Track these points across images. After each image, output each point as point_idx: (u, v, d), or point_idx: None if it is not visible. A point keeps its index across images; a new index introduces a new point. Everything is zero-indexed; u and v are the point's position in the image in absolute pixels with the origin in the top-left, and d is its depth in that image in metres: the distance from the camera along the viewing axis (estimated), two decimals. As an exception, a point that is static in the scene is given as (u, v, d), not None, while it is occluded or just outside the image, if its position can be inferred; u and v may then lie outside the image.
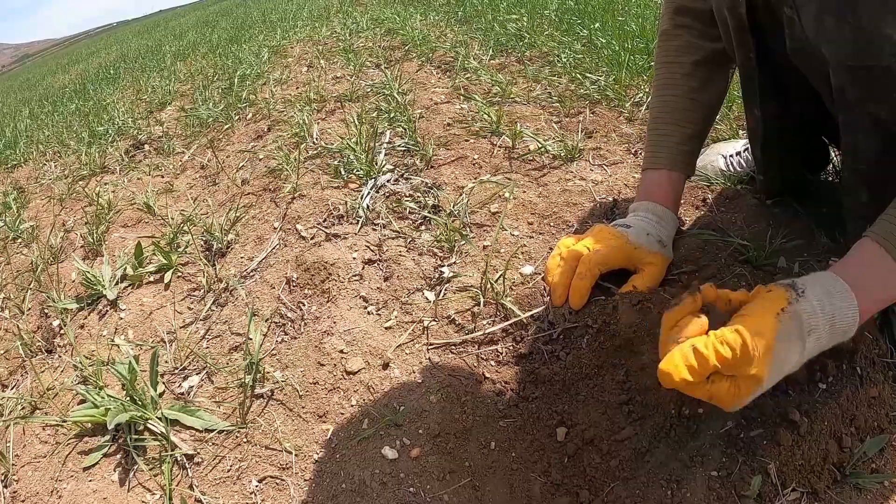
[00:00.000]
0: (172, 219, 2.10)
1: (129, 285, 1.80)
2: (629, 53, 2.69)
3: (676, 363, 0.90)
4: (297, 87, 3.38)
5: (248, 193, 2.07)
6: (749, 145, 1.53)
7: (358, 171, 1.92)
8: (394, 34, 4.45)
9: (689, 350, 0.89)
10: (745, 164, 1.69)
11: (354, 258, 1.54)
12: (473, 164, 1.93)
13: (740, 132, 1.90)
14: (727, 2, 1.15)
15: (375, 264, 1.53)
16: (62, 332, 1.73)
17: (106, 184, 2.71)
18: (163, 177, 2.66)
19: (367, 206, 1.73)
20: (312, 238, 1.67)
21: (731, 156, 1.74)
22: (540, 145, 1.94)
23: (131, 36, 17.77)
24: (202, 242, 1.88)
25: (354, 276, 1.48)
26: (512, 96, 2.50)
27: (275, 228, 1.78)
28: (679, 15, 1.39)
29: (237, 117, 3.03)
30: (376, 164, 1.94)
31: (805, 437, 1.00)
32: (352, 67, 3.50)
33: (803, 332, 0.89)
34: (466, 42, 3.73)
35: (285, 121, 2.68)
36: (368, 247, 1.57)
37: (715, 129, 1.93)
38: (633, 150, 1.95)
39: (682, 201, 1.53)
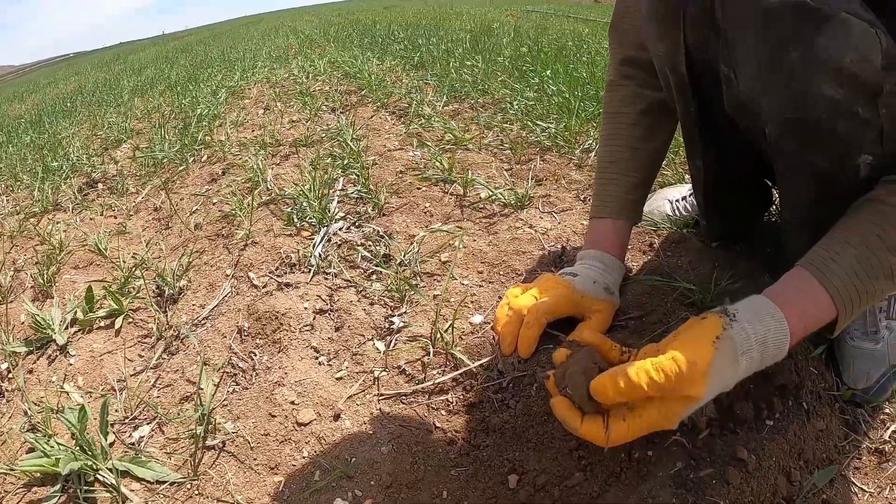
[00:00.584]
0: (124, 262, 2.06)
1: (80, 330, 1.76)
2: (579, 101, 2.74)
3: (605, 384, 0.92)
4: (253, 130, 3.37)
5: (202, 238, 2.05)
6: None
7: (311, 219, 1.91)
8: (351, 78, 4.48)
9: (621, 375, 0.91)
10: (690, 209, 1.73)
11: (306, 308, 1.53)
12: (425, 213, 1.94)
13: (686, 177, 1.94)
14: (668, 60, 1.19)
15: (327, 314, 1.52)
16: (10, 376, 1.68)
17: (58, 222, 2.66)
18: (115, 217, 2.62)
19: (320, 255, 1.72)
20: (264, 287, 1.66)
21: (677, 200, 1.78)
22: (490, 193, 1.96)
23: (90, 68, 17.51)
24: (154, 287, 1.85)
25: (306, 326, 1.47)
26: (464, 143, 2.53)
27: (227, 275, 1.76)
28: (625, 65, 1.44)
29: (192, 159, 3.00)
30: (329, 211, 1.94)
31: (754, 475, 1.01)
32: (308, 111, 3.51)
33: (737, 354, 0.91)
34: (421, 87, 3.77)
35: (240, 164, 2.66)
36: (320, 297, 1.56)
37: (661, 174, 1.97)
38: (581, 197, 1.98)
39: (629, 247, 1.57)
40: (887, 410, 1.17)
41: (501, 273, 1.60)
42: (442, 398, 1.31)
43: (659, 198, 1.83)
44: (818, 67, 0.89)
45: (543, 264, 1.61)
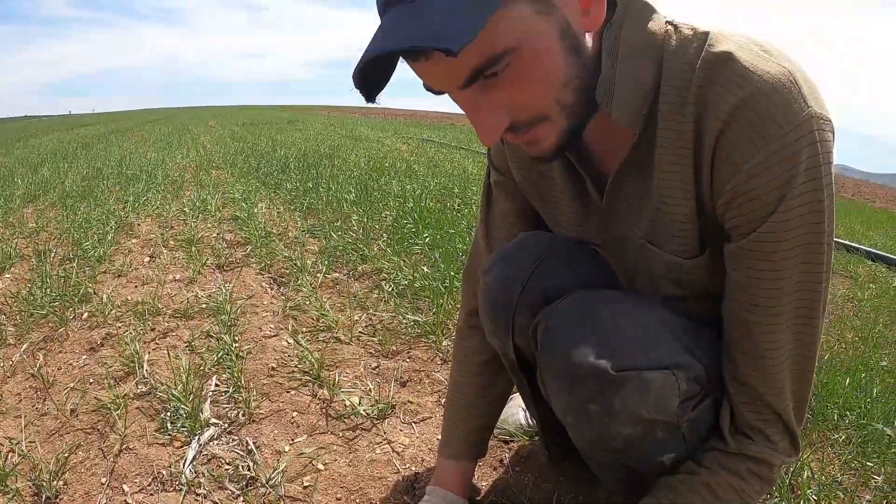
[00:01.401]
0: (1, 444, 2.00)
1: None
2: (451, 280, 2.91)
3: None
4: (136, 286, 3.33)
5: (77, 429, 2.02)
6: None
7: (183, 426, 1.94)
8: (239, 225, 4.54)
9: None
10: (544, 416, 1.86)
11: (172, 543, 1.55)
12: (292, 423, 2.00)
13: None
14: (499, 345, 1.31)
15: (192, 552, 1.55)
16: None
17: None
18: (-10, 379, 2.54)
19: (190, 471, 1.75)
20: (135, 509, 1.67)
21: (531, 408, 1.90)
22: (353, 404, 2.07)
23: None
24: (31, 484, 1.80)
25: (171, 567, 1.49)
26: (337, 331, 2.63)
27: (102, 485, 1.73)
28: (472, 316, 1.53)
29: (72, 316, 2.93)
30: (201, 415, 1.97)
31: None
32: (192, 270, 3.53)
33: None
34: (306, 243, 3.89)
35: (118, 337, 2.62)
36: (185, 530, 1.59)
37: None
38: (441, 402, 2.10)
39: (481, 463, 1.70)
40: None
41: (357, 502, 1.68)
42: None
43: (513, 405, 1.94)
44: (616, 419, 1.00)
45: (397, 492, 1.69)
